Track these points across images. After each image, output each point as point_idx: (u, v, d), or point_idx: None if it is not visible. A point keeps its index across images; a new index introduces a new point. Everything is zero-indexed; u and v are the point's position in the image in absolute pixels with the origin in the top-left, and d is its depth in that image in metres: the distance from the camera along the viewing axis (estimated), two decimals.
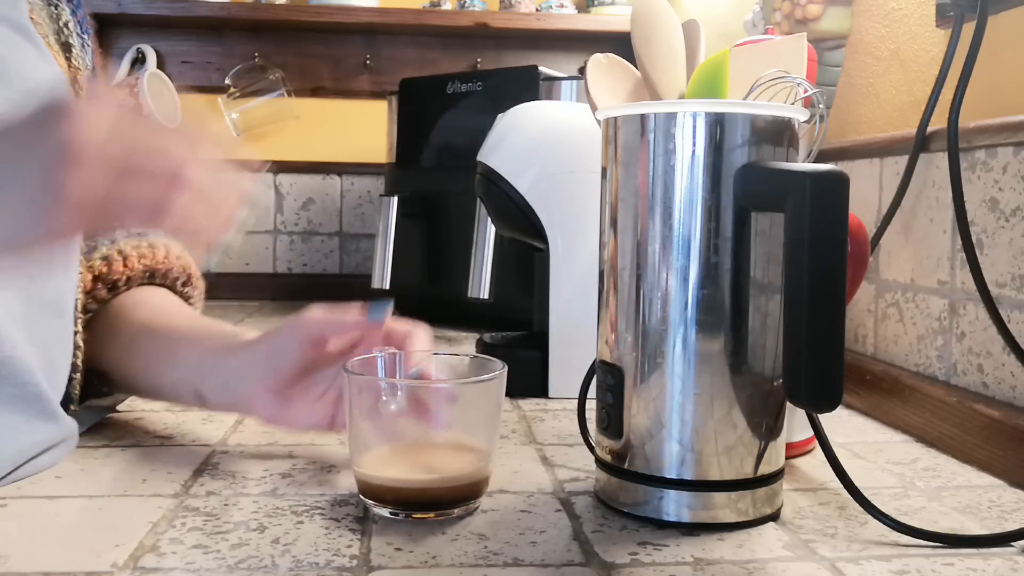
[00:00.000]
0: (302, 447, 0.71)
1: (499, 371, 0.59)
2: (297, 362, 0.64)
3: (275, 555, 0.49)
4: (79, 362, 0.70)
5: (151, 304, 0.78)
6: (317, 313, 0.64)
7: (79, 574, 0.47)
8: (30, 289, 0.62)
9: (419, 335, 0.64)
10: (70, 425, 0.66)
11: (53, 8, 0.72)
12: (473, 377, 0.61)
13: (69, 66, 0.71)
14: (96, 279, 0.76)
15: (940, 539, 0.53)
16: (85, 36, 0.75)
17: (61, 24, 0.72)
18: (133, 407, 0.83)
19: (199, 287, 0.85)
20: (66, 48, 0.71)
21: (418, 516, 0.55)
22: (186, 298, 0.84)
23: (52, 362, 0.64)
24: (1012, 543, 0.53)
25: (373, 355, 0.62)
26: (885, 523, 0.54)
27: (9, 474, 0.61)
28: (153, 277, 0.80)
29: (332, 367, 0.65)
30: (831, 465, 0.58)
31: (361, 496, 0.58)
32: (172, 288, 0.82)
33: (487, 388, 0.58)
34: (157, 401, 0.81)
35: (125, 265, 0.77)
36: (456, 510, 0.56)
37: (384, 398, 0.57)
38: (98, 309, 0.76)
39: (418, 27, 1.87)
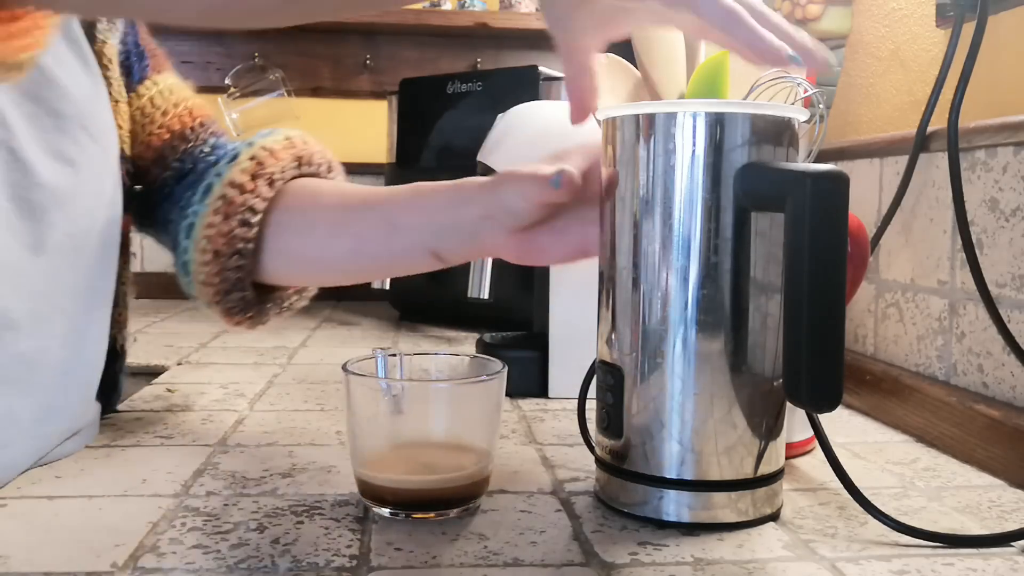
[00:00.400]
0: (302, 447, 0.71)
1: (499, 371, 0.59)
2: (534, 212, 0.61)
3: (275, 555, 0.49)
4: (122, 345, 0.77)
5: (326, 189, 0.75)
6: (527, 176, 0.60)
7: (79, 574, 0.47)
8: (75, 280, 0.64)
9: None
10: (96, 409, 0.69)
11: None
12: (473, 377, 0.61)
13: (93, 44, 0.71)
14: (254, 178, 0.72)
15: (940, 539, 0.53)
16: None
17: None
18: (133, 407, 0.83)
19: (340, 173, 0.81)
20: (90, 25, 0.72)
21: (418, 516, 0.55)
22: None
23: (87, 349, 0.66)
24: (1012, 543, 0.53)
25: (373, 355, 0.62)
26: (885, 523, 0.54)
27: (44, 456, 0.64)
28: (300, 165, 0.76)
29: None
30: (831, 465, 0.58)
31: (361, 496, 0.58)
32: (319, 176, 0.79)
33: (487, 388, 0.58)
34: (366, 279, 0.78)
35: (274, 157, 0.74)
36: (456, 510, 0.56)
37: (384, 398, 0.57)
38: (266, 211, 0.72)
39: (418, 27, 1.87)
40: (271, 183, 0.72)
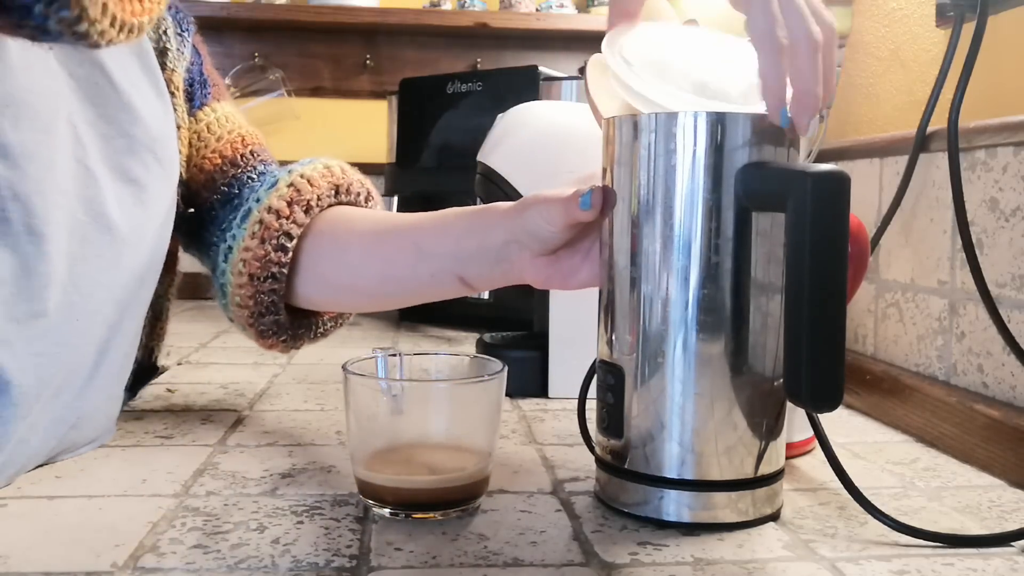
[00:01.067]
0: (302, 447, 0.71)
1: (499, 371, 0.58)
2: (559, 236, 0.62)
3: (275, 555, 0.49)
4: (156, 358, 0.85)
5: (359, 216, 0.77)
6: (552, 200, 0.60)
7: (79, 574, 0.47)
8: (116, 295, 0.66)
9: None
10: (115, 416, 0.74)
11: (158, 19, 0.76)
12: (473, 377, 0.61)
13: (164, 71, 0.75)
14: (291, 204, 0.75)
15: (940, 539, 0.53)
16: (185, 34, 0.80)
17: (160, 32, 0.77)
18: (133, 407, 0.83)
19: (379, 202, 0.83)
20: (162, 54, 0.76)
21: (418, 516, 0.55)
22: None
23: (115, 358, 0.68)
24: (1012, 543, 0.53)
25: (373, 355, 0.62)
26: (885, 523, 0.54)
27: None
28: (338, 193, 0.78)
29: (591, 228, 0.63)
30: (831, 465, 0.58)
31: (361, 496, 0.58)
32: (356, 205, 0.81)
33: (487, 388, 0.58)
34: (398, 305, 0.80)
35: (311, 185, 0.76)
36: (456, 510, 0.56)
37: (384, 398, 0.57)
38: (302, 236, 0.75)
39: (418, 27, 1.87)
40: (308, 210, 0.75)
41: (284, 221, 0.73)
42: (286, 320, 0.76)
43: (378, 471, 0.56)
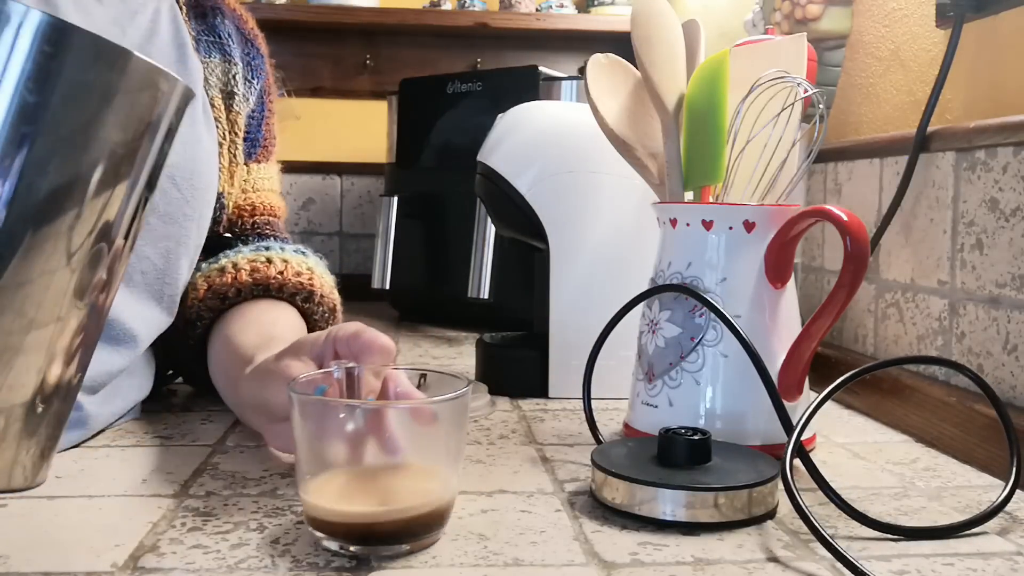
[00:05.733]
0: None
1: (463, 389, 0.52)
2: (283, 405, 0.58)
3: (275, 555, 0.49)
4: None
5: (248, 318, 0.79)
6: (298, 367, 0.60)
7: (79, 574, 0.47)
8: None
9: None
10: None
11: (227, 64, 0.84)
12: (435, 396, 0.53)
13: (229, 113, 0.82)
14: (208, 288, 0.80)
15: (900, 532, 0.54)
16: (253, 82, 0.87)
17: (230, 76, 0.83)
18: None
19: (326, 304, 0.85)
20: (229, 96, 0.83)
21: (365, 550, 0.49)
22: (309, 314, 0.84)
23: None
24: (970, 529, 0.53)
25: (328, 369, 0.57)
26: (854, 518, 0.54)
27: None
28: (267, 291, 0.81)
29: None
30: (803, 463, 0.58)
31: (310, 527, 0.51)
32: (292, 303, 0.83)
33: (450, 408, 0.51)
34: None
35: (235, 278, 0.80)
36: (409, 545, 0.50)
37: (330, 420, 0.51)
38: (212, 319, 0.80)
39: (418, 27, 1.87)
40: (223, 299, 0.80)
41: (197, 304, 0.80)
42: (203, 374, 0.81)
43: (328, 501, 0.50)
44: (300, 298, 0.83)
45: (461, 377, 0.54)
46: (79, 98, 0.39)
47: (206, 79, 0.82)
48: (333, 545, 0.50)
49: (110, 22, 0.72)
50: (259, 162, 0.89)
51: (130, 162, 0.42)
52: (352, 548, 0.49)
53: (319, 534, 0.50)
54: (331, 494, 0.50)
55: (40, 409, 0.42)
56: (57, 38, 0.38)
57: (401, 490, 0.52)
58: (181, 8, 0.82)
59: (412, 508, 0.50)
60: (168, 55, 0.77)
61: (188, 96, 0.44)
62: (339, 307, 0.88)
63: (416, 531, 0.50)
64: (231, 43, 0.85)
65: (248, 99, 0.86)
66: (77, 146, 0.40)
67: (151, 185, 0.45)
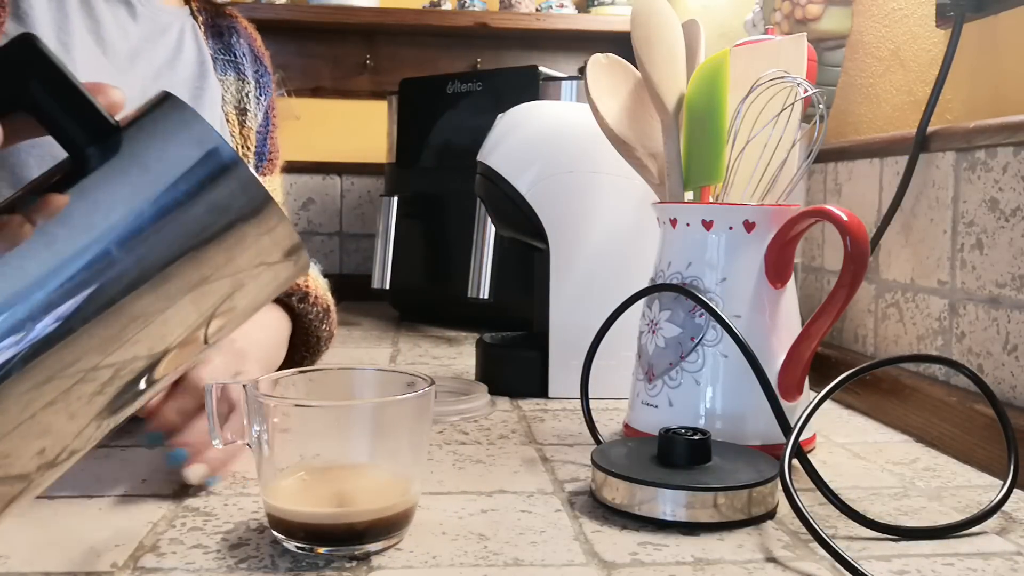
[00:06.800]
0: None
1: (424, 389, 0.51)
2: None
3: (275, 555, 0.49)
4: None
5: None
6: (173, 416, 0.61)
7: (79, 574, 0.47)
8: None
9: None
10: None
11: (241, 83, 0.87)
12: (396, 395, 0.53)
13: (242, 128, 0.84)
14: None
15: (896, 532, 0.53)
16: (262, 99, 0.89)
17: (243, 94, 0.86)
18: None
19: (320, 305, 0.86)
20: (242, 112, 0.85)
21: (323, 551, 0.49)
22: (303, 315, 0.85)
23: None
24: (967, 529, 0.53)
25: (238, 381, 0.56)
26: (850, 517, 0.54)
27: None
28: None
29: None
30: (800, 464, 0.58)
31: (271, 528, 0.51)
32: (288, 304, 0.84)
33: (411, 407, 0.51)
34: None
35: None
36: (371, 546, 0.49)
37: (294, 418, 0.51)
38: None
39: (418, 27, 1.87)
40: None
41: None
42: None
43: (287, 501, 0.50)
44: (296, 299, 0.84)
45: (426, 378, 0.53)
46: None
47: (222, 96, 0.84)
48: (291, 547, 0.50)
49: (143, 39, 0.76)
50: (264, 175, 0.90)
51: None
52: (302, 546, 0.49)
53: (279, 535, 0.50)
54: (289, 495, 0.51)
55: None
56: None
57: (359, 492, 0.52)
58: (200, 27, 0.85)
59: (370, 511, 0.50)
60: (192, 72, 0.80)
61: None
62: (333, 308, 0.90)
63: (377, 533, 0.50)
64: (245, 62, 0.88)
65: (257, 115, 0.88)
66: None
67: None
